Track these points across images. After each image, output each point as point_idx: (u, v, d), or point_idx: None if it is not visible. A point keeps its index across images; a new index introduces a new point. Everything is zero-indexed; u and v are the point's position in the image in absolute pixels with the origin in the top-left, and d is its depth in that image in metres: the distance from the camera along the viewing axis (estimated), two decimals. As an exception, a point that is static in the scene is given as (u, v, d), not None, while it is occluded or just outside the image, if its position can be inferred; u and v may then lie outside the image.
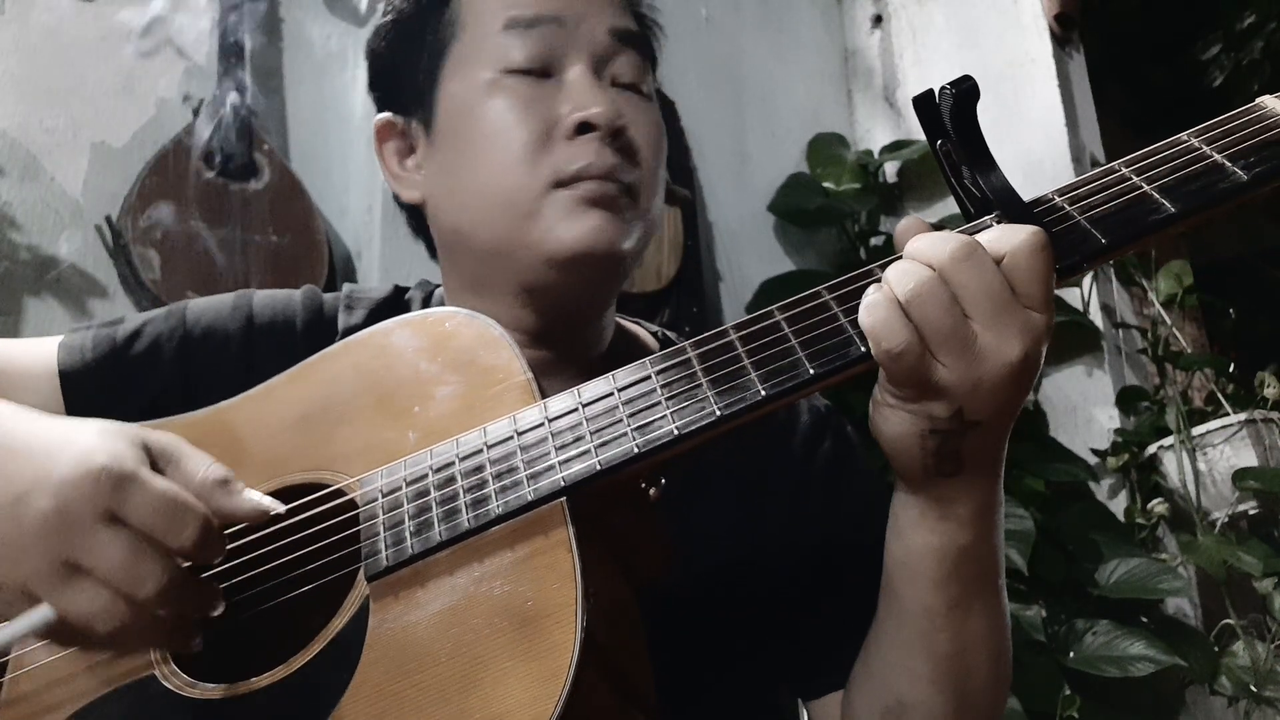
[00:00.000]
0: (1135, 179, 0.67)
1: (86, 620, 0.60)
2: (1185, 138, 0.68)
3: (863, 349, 0.64)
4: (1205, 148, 0.67)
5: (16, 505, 0.60)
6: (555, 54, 0.84)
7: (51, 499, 0.59)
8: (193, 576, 0.63)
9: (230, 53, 2.00)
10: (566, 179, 0.81)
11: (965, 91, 0.66)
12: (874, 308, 0.63)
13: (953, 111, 0.66)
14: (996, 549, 0.73)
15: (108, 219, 1.83)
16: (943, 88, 0.67)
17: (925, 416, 0.64)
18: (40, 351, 0.88)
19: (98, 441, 0.62)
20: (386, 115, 0.93)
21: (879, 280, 0.65)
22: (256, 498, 0.67)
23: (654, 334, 1.00)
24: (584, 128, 0.81)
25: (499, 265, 0.86)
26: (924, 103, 0.68)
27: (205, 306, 0.92)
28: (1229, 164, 0.65)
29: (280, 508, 0.68)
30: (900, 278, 0.63)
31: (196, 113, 1.98)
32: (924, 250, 0.64)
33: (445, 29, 0.88)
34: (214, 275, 1.85)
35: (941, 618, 0.72)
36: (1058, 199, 0.67)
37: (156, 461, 0.64)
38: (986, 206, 0.68)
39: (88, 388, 0.86)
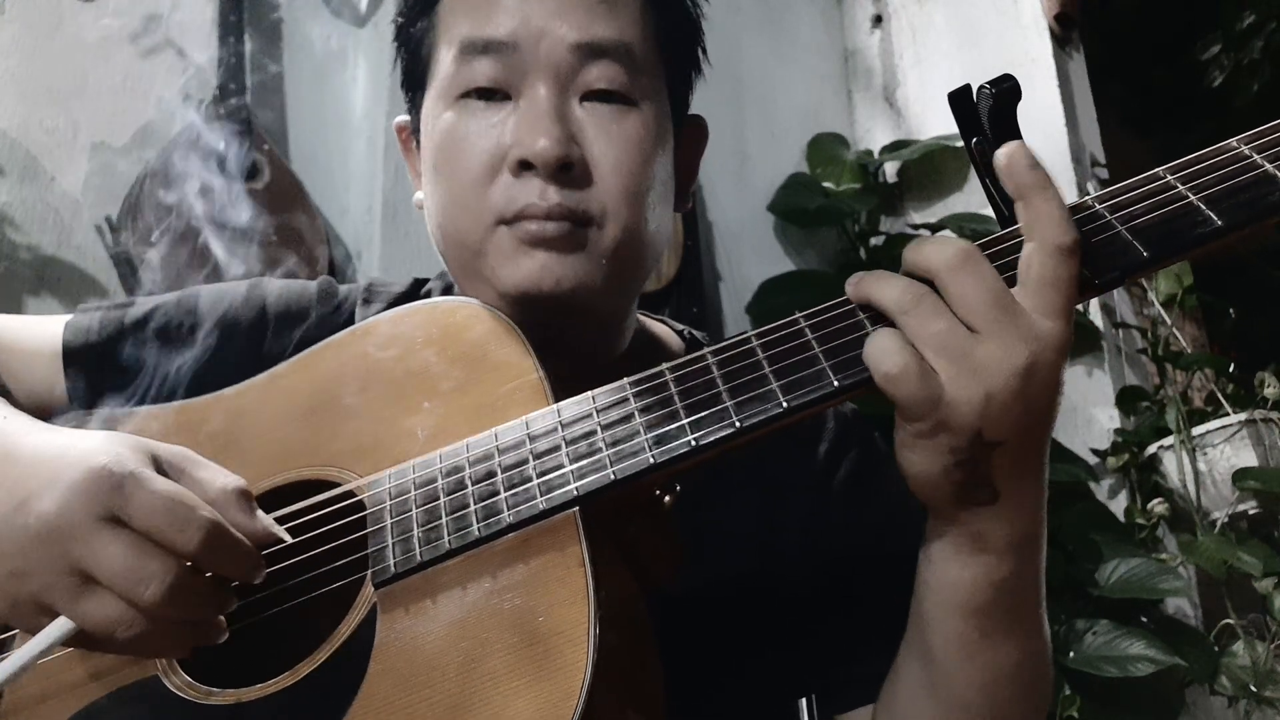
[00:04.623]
0: (1181, 187, 0.63)
1: (106, 629, 0.59)
2: (1235, 144, 0.64)
3: None
4: (1256, 156, 0.62)
5: (20, 512, 0.59)
6: (514, 76, 0.79)
7: (53, 502, 0.58)
8: (201, 579, 0.61)
9: (230, 53, 2.00)
10: (509, 217, 0.78)
11: (1005, 91, 0.63)
12: (874, 336, 0.61)
13: (991, 111, 0.64)
14: (1037, 578, 0.68)
15: (108, 219, 1.82)
16: (982, 86, 0.64)
17: (946, 450, 0.61)
18: (45, 330, 0.87)
19: (101, 445, 0.61)
20: (402, 118, 0.92)
21: None
22: (269, 522, 0.65)
23: (680, 333, 0.97)
24: (525, 165, 0.77)
25: (469, 289, 0.84)
26: (960, 98, 0.66)
27: (218, 294, 0.91)
28: None
29: (286, 539, 0.66)
30: (891, 292, 0.61)
31: (196, 112, 1.98)
32: (919, 260, 0.62)
33: (429, 42, 0.86)
34: (214, 276, 1.84)
35: (975, 645, 0.68)
36: (1098, 206, 0.64)
37: (166, 470, 0.63)
38: None
39: (91, 369, 0.84)
